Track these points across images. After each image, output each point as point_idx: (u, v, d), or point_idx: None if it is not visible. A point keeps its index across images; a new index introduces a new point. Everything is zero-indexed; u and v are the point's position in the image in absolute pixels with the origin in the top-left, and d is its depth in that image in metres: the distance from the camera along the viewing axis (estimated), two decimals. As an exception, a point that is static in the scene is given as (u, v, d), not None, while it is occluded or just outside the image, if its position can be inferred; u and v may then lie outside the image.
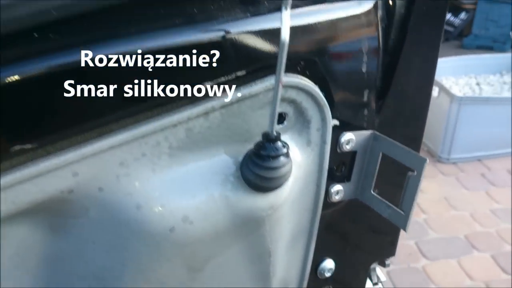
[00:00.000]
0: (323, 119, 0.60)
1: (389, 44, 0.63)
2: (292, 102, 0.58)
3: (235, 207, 0.55)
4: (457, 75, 4.29)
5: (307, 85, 0.57)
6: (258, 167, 0.53)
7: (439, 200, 3.45)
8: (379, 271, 0.86)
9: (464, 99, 3.65)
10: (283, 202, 0.58)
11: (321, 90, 0.59)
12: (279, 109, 0.57)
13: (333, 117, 0.62)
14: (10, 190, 0.46)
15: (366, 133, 0.65)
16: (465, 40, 5.90)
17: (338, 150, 0.64)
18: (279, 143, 0.53)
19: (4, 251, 0.50)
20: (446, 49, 5.54)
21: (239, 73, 0.54)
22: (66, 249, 0.54)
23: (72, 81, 0.45)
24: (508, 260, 2.87)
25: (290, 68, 0.56)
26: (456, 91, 3.88)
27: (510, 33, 5.34)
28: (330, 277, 0.73)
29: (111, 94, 0.48)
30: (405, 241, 3.05)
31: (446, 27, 6.09)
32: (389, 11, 0.62)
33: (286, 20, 0.47)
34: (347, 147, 0.64)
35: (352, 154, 0.66)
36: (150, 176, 0.53)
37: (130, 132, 0.50)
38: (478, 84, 4.25)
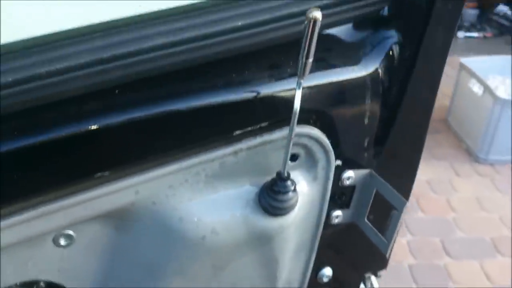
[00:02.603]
0: (328, 161, 0.76)
1: (389, 101, 0.78)
2: (304, 146, 0.74)
3: (252, 225, 0.73)
4: (504, 74, 4.22)
5: (316, 134, 0.73)
6: (271, 199, 0.70)
7: (470, 200, 3.50)
8: (374, 279, 1.01)
9: (508, 102, 3.64)
10: (290, 224, 0.75)
11: (329, 137, 0.75)
12: (293, 150, 0.74)
13: (337, 158, 0.77)
14: (91, 202, 0.65)
15: (364, 171, 0.80)
16: (519, 36, 5.76)
17: (340, 184, 0.80)
18: (289, 182, 0.70)
19: (82, 242, 0.70)
20: (497, 44, 5.44)
21: (263, 124, 0.71)
22: (125, 244, 0.73)
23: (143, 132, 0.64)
24: (530, 268, 2.93)
25: (303, 120, 0.72)
26: (502, 91, 3.83)
27: None
28: (328, 282, 0.90)
29: (166, 140, 0.66)
30: (430, 238, 3.15)
31: (500, 20, 5.94)
32: (390, 73, 0.76)
33: (298, 96, 0.63)
34: (347, 182, 0.80)
35: (352, 187, 0.82)
36: (190, 197, 0.71)
37: (178, 164, 0.68)
38: (526, 86, 4.19)
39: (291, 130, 0.65)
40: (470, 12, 6.24)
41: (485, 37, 5.97)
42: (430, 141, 3.97)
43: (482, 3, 6.28)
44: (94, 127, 0.61)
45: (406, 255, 3.03)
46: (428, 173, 3.70)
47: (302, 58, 0.59)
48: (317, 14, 0.56)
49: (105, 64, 0.59)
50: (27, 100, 0.56)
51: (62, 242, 0.68)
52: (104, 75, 0.60)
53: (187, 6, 0.64)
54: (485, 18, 6.21)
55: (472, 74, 3.97)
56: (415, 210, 3.39)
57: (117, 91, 0.63)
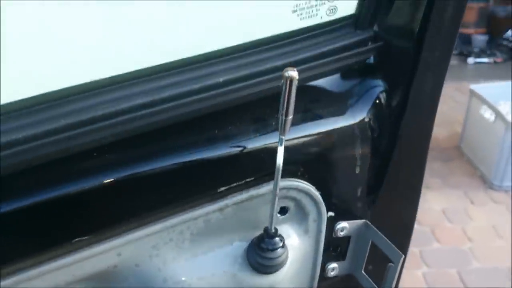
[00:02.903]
0: (319, 213, 0.73)
1: (380, 149, 0.75)
2: (293, 199, 0.72)
3: (240, 284, 0.70)
4: (516, 99, 4.18)
5: (305, 187, 0.71)
6: (259, 256, 0.68)
7: (486, 229, 3.43)
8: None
9: (520, 128, 3.59)
10: (281, 280, 0.72)
11: (318, 189, 0.72)
12: (282, 204, 0.72)
13: (329, 210, 0.75)
14: (71, 266, 0.63)
15: (358, 222, 0.77)
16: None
17: (334, 235, 0.77)
18: (277, 238, 0.67)
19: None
20: (507, 69, 5.41)
21: (249, 179, 0.69)
22: (110, 306, 0.70)
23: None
24: (551, 298, 2.83)
25: (291, 173, 0.70)
26: (514, 117, 3.80)
27: None
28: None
29: (147, 200, 0.64)
30: (446, 269, 3.08)
31: (510, 45, 5.93)
32: (379, 121, 0.74)
33: (280, 153, 0.61)
34: (341, 233, 0.77)
35: (347, 238, 0.79)
36: (175, 257, 0.69)
37: (161, 223, 0.66)
38: (538, 111, 4.14)
39: (275, 187, 0.63)
40: (479, 38, 6.23)
41: (495, 62, 5.95)
42: (443, 169, 3.97)
43: (491, 29, 6.27)
44: (71, 190, 0.60)
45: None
46: (442, 202, 3.65)
47: (282, 116, 0.58)
48: (293, 74, 0.55)
49: (82, 127, 0.58)
50: (2, 167, 0.55)
51: None
52: (81, 138, 0.58)
53: (166, 64, 0.63)
54: (494, 43, 6.20)
55: (483, 101, 3.94)
56: (430, 240, 3.32)
57: (95, 153, 0.61)
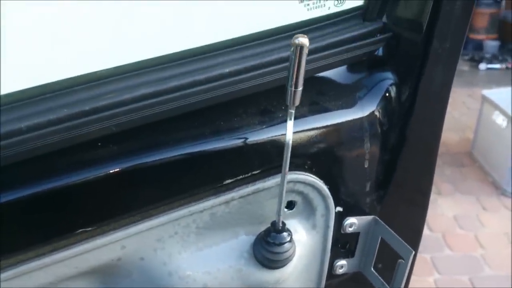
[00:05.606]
0: (327, 208, 0.72)
1: (390, 143, 0.74)
2: (300, 193, 0.71)
3: (246, 279, 0.69)
4: (529, 106, 4.14)
5: (312, 180, 0.70)
6: (265, 251, 0.66)
7: (499, 235, 3.38)
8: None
9: (532, 134, 3.55)
10: (289, 276, 0.70)
11: (326, 183, 0.71)
12: (289, 198, 0.71)
13: (337, 205, 0.73)
14: (74, 259, 0.62)
15: (368, 218, 0.76)
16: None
17: (342, 232, 0.76)
18: (284, 233, 0.66)
19: (69, 299, 0.67)
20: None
21: (255, 172, 0.68)
22: (114, 302, 0.69)
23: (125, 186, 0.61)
24: None
25: (299, 167, 0.69)
26: (527, 123, 3.76)
27: None
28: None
29: (152, 192, 0.63)
30: (458, 276, 3.04)
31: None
32: (389, 114, 0.73)
33: (290, 128, 0.59)
34: (350, 230, 0.76)
35: (356, 234, 0.77)
36: (180, 250, 0.67)
37: (166, 216, 0.65)
38: (551, 117, 4.09)
39: (284, 167, 0.61)
40: (491, 44, 6.20)
41: (507, 68, 5.90)
42: (455, 175, 3.93)
43: (502, 34, 6.23)
44: (75, 181, 0.59)
45: (434, 295, 2.92)
46: (454, 208, 3.61)
47: (291, 87, 0.56)
48: (304, 40, 0.53)
49: (85, 117, 0.57)
50: (4, 157, 0.55)
51: None
52: (84, 127, 0.58)
53: (171, 55, 0.63)
54: (506, 49, 6.16)
55: (495, 106, 3.91)
56: (442, 247, 3.28)
57: (99, 143, 0.61)
